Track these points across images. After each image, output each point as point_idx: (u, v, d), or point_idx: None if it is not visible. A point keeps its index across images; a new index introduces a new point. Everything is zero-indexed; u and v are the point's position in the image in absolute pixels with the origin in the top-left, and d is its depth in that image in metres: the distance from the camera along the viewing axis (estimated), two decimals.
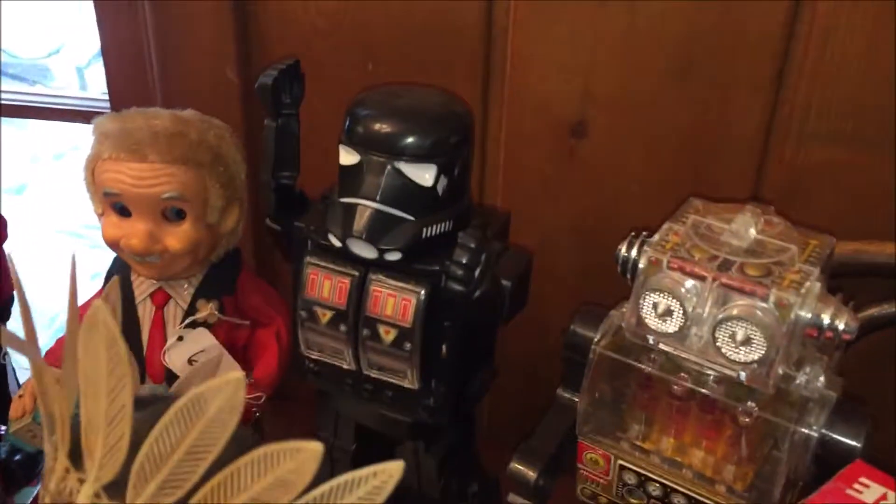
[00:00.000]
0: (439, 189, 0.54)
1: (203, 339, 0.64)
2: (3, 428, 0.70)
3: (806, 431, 0.48)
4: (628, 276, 0.52)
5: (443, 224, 0.54)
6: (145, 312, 0.66)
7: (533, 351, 0.78)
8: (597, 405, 0.55)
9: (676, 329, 0.49)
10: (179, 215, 0.62)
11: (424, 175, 0.53)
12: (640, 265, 0.51)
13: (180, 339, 0.65)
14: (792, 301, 0.46)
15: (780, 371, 0.48)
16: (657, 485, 0.54)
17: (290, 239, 0.59)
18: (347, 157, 0.54)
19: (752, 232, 0.50)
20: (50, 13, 1.88)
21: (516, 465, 0.57)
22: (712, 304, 0.48)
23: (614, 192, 0.71)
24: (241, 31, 0.75)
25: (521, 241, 0.63)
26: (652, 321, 0.50)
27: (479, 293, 0.51)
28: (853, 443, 0.48)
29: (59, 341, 0.69)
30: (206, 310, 0.65)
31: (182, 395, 0.32)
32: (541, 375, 0.78)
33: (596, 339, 0.54)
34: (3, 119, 1.01)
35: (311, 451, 0.26)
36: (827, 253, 0.50)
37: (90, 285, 0.76)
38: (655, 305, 0.49)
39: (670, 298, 0.49)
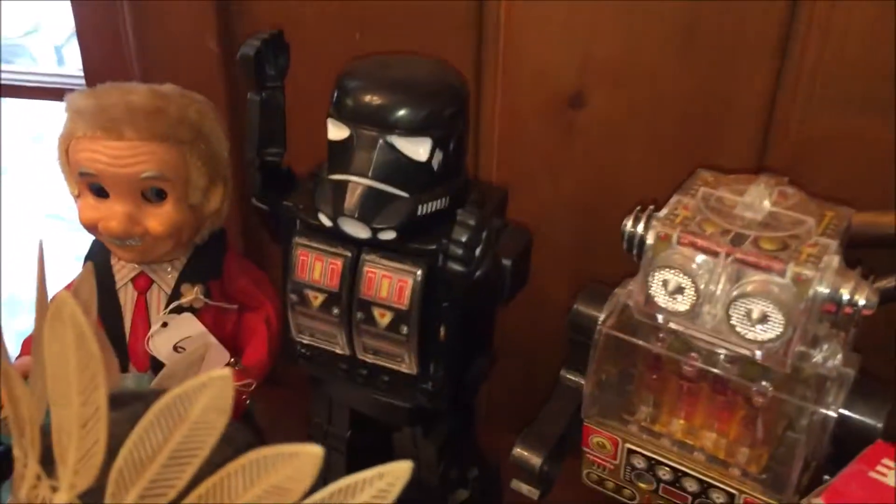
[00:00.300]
0: (434, 164, 0.51)
1: (189, 326, 0.62)
2: None
3: (825, 412, 0.46)
4: (634, 252, 0.50)
5: (439, 201, 0.52)
6: (127, 298, 0.63)
7: (530, 330, 0.76)
8: (603, 387, 0.53)
9: (688, 307, 0.47)
10: (160, 196, 0.59)
11: (418, 149, 0.50)
12: (648, 241, 0.48)
13: (165, 325, 0.62)
14: (810, 276, 0.44)
15: (798, 349, 0.46)
16: (667, 469, 0.52)
17: (278, 219, 0.56)
18: (336, 131, 0.51)
19: (767, 204, 0.48)
20: None
21: (520, 451, 0.55)
22: (725, 281, 0.46)
23: (614, 164, 0.69)
24: None
25: (517, 217, 0.60)
26: (662, 299, 0.47)
27: (479, 273, 0.49)
28: (874, 422, 0.46)
29: None
30: (192, 294, 0.62)
31: (167, 389, 0.30)
32: (539, 355, 0.76)
33: (602, 319, 0.51)
34: None
35: (310, 455, 0.24)
36: (845, 225, 0.47)
37: (77, 267, 0.73)
38: (665, 283, 0.47)
39: (681, 275, 0.46)
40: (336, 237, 0.52)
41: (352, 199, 0.50)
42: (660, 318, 0.48)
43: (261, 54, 0.53)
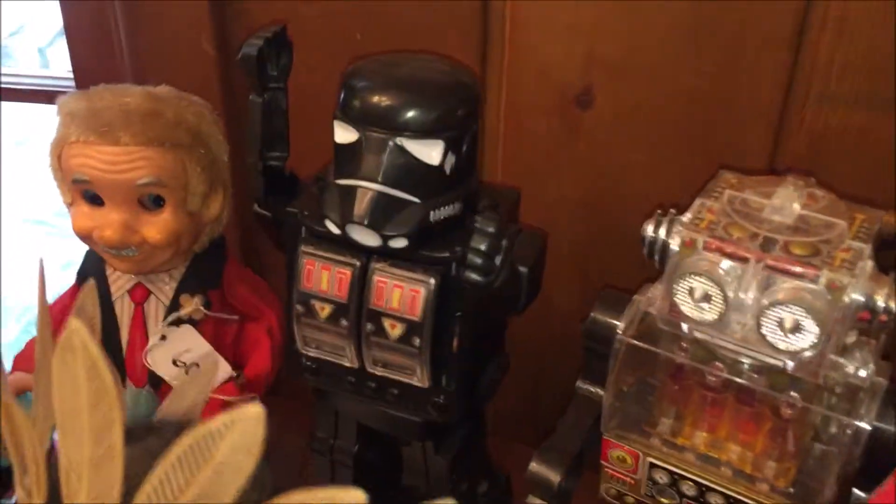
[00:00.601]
0: (447, 168, 0.49)
1: (188, 338, 0.59)
2: None
3: (858, 424, 0.44)
4: (657, 258, 0.48)
5: (451, 206, 0.50)
6: (123, 310, 0.61)
7: (537, 336, 0.74)
8: (623, 399, 0.51)
9: (716, 316, 0.45)
10: (158, 203, 0.57)
11: (430, 152, 0.48)
12: (672, 247, 0.46)
13: (163, 338, 0.60)
14: (845, 282, 0.42)
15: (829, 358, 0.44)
16: (691, 483, 0.50)
17: (282, 226, 0.54)
18: (344, 134, 0.49)
19: (797, 207, 0.46)
20: None
21: (538, 467, 0.52)
22: (755, 288, 0.44)
23: (620, 163, 0.67)
24: None
25: (523, 219, 0.59)
26: (688, 308, 0.46)
27: (498, 282, 0.47)
28: None
29: (30, 344, 0.64)
30: (191, 305, 0.60)
31: (176, 414, 0.27)
32: (546, 361, 0.75)
33: (622, 328, 0.49)
34: None
35: (353, 497, 0.21)
36: (876, 228, 0.46)
37: (62, 276, 0.71)
38: (692, 291, 0.45)
39: (708, 282, 0.45)
40: (344, 245, 0.50)
41: (361, 206, 0.48)
42: (685, 327, 0.47)
43: (263, 54, 0.51)
